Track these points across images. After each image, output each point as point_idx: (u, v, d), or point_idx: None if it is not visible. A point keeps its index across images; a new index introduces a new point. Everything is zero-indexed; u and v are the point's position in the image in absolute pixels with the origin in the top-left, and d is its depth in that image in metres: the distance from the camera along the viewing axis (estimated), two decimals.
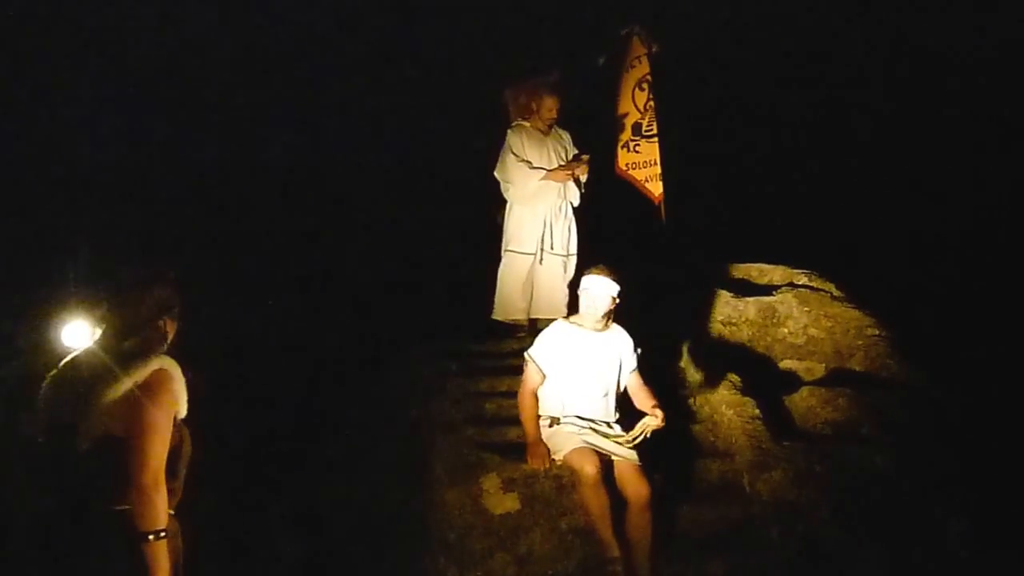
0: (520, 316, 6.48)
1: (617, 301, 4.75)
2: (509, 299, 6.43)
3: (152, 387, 3.13)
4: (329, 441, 5.64)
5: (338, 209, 6.12)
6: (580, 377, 4.77)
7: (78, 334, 4.52)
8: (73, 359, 3.28)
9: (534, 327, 6.26)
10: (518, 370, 5.32)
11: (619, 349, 4.89)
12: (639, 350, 4.86)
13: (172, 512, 3.23)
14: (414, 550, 4.80)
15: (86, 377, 3.19)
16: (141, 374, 3.15)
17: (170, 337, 3.30)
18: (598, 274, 4.73)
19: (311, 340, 5.96)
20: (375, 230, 6.28)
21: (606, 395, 4.84)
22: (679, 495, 4.96)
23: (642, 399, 4.79)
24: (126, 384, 3.13)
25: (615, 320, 4.84)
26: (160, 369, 3.18)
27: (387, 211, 5.57)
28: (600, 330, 4.80)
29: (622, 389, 4.89)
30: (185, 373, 3.27)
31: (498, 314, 6.47)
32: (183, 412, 3.25)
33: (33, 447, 3.19)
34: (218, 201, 5.57)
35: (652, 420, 4.58)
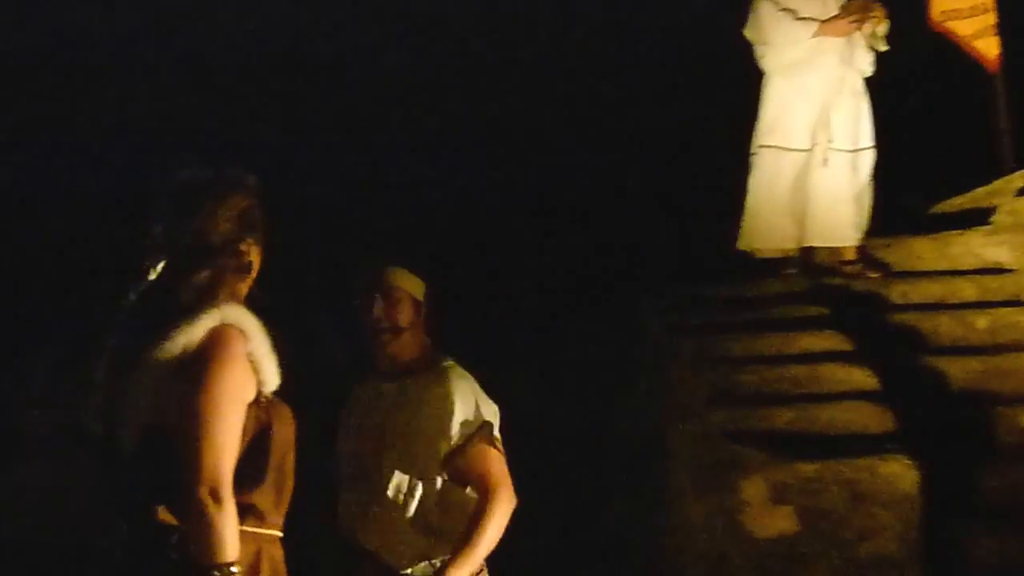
0: (787, 244, 6.10)
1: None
2: (768, 219, 6.05)
3: (208, 352, 2.80)
4: (515, 420, 5.18)
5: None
6: None
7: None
8: (130, 307, 2.98)
9: (808, 261, 6.05)
10: (787, 324, 5.20)
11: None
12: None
13: (262, 531, 2.89)
14: None
15: (129, 340, 2.89)
16: (194, 332, 2.81)
17: (252, 273, 2.95)
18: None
19: (476, 278, 5.56)
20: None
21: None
22: None
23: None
24: (173, 348, 2.81)
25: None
26: (221, 326, 2.83)
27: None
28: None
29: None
30: (275, 326, 2.90)
31: (751, 242, 6.14)
32: (270, 385, 2.89)
33: (95, 448, 2.96)
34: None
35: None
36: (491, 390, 5.09)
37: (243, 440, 2.83)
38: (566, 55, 5.63)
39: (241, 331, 2.85)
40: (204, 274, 2.89)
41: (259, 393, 2.88)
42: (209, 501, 2.74)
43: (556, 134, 5.69)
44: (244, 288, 2.93)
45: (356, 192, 5.42)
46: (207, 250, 2.90)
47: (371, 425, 3.70)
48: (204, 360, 2.80)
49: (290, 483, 2.94)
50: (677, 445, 4.93)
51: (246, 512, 2.83)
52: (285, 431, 2.93)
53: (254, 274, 2.95)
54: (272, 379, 2.90)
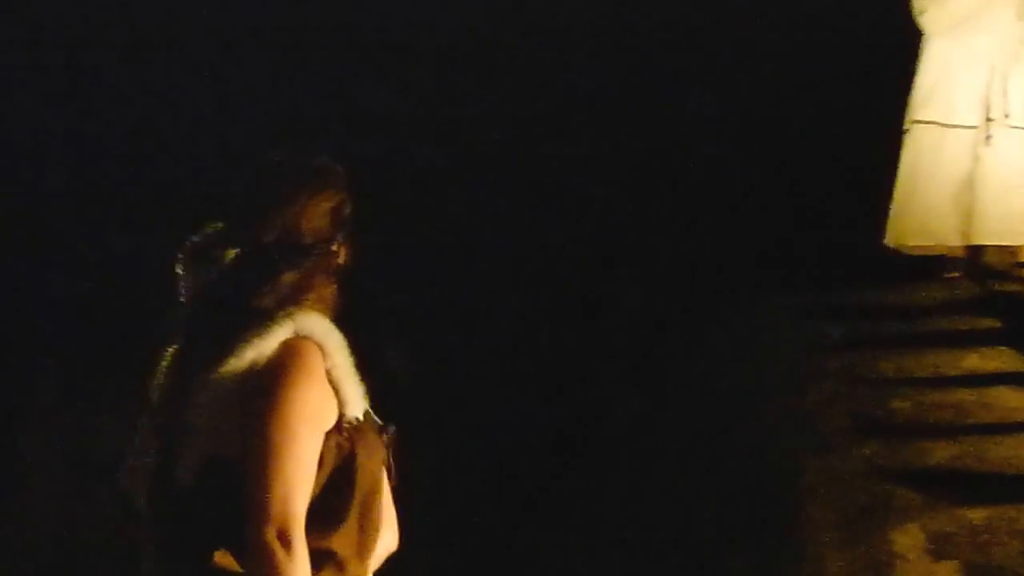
0: (948, 240, 5.83)
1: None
2: (924, 210, 5.77)
3: (279, 369, 2.61)
4: (615, 452, 5.11)
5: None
6: None
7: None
8: (192, 313, 2.81)
9: (975, 263, 5.78)
10: (948, 338, 5.06)
11: None
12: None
13: None
14: None
15: (189, 354, 2.74)
16: (263, 346, 2.63)
17: (345, 276, 2.80)
18: None
19: (587, 283, 5.25)
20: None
21: None
22: None
23: None
24: (239, 364, 2.64)
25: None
26: (295, 339, 2.65)
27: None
28: None
29: None
30: (360, 342, 2.71)
31: (903, 237, 5.85)
32: (353, 409, 2.69)
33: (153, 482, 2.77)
34: None
35: None
36: (593, 408, 4.77)
37: (320, 474, 2.64)
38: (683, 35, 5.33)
39: (319, 345, 2.66)
40: (288, 277, 2.72)
41: (341, 418, 2.68)
42: (276, 545, 2.56)
43: (663, 123, 5.36)
44: (331, 295, 2.77)
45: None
46: (295, 249, 2.73)
47: None
48: (274, 378, 2.61)
49: (377, 525, 2.72)
50: (814, 484, 4.66)
51: (323, 559, 2.65)
52: (372, 464, 2.72)
53: (341, 276, 2.80)
54: (356, 402, 2.70)
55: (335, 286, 2.77)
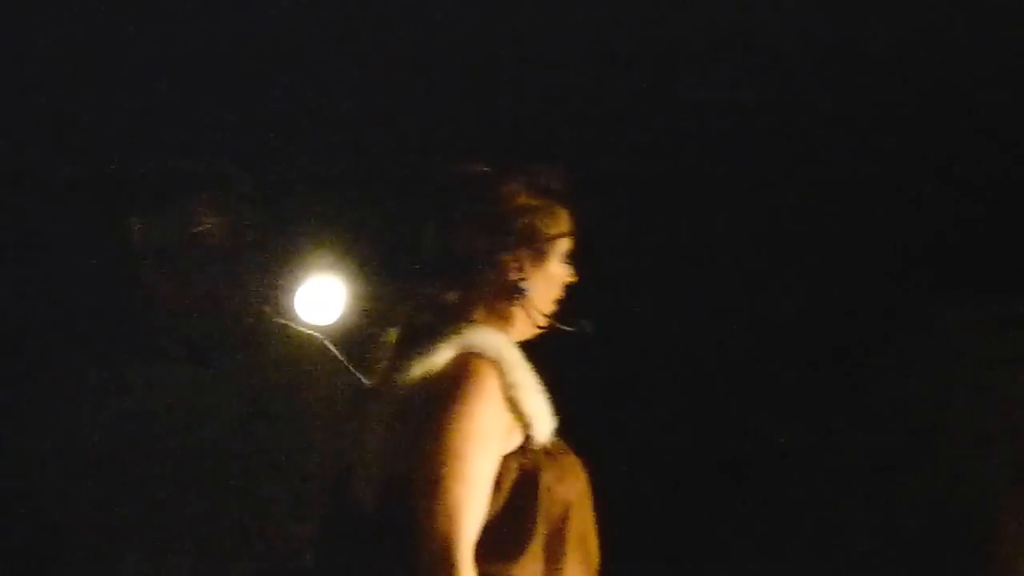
0: None
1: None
2: None
3: (445, 387, 2.52)
4: (784, 480, 4.87)
5: None
6: None
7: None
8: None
9: None
10: None
11: None
12: None
13: None
14: None
15: (376, 367, 2.69)
16: (430, 363, 2.55)
17: (527, 295, 2.64)
18: None
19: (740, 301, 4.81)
20: None
21: None
22: None
23: None
24: (409, 380, 2.56)
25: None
26: (466, 355, 2.55)
27: None
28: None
29: None
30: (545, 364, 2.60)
31: None
32: (539, 430, 2.58)
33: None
34: None
35: None
36: (758, 432, 4.72)
37: (497, 496, 2.53)
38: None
39: (493, 362, 2.54)
40: (451, 294, 2.64)
41: (527, 440, 2.57)
42: (441, 563, 2.46)
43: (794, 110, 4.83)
44: (509, 312, 2.65)
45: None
46: (453, 265, 2.65)
47: None
48: (439, 396, 2.51)
49: (573, 555, 2.58)
50: (1009, 522, 4.49)
51: None
52: (564, 488, 2.59)
53: (530, 295, 2.64)
54: (543, 423, 2.58)
55: (512, 303, 2.66)
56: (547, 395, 2.62)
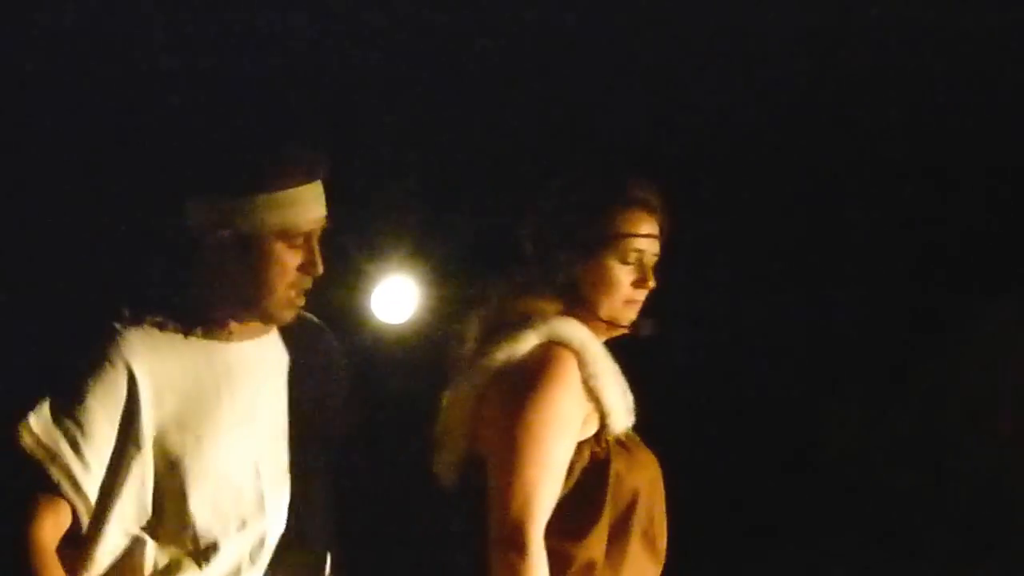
0: None
1: None
2: None
3: (527, 374, 2.60)
4: (842, 469, 4.83)
5: None
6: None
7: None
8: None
9: None
10: None
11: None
12: None
13: None
14: None
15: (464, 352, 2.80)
16: (515, 349, 2.63)
17: (599, 289, 2.70)
18: None
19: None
20: None
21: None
22: None
23: None
24: (491, 365, 2.65)
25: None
26: (547, 344, 2.61)
27: None
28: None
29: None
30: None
31: None
32: (617, 421, 2.67)
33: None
34: None
35: None
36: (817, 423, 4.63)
37: (568, 479, 2.62)
38: None
39: (576, 352, 2.63)
40: (541, 288, 2.74)
41: (602, 430, 2.66)
42: (511, 545, 2.52)
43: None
44: (594, 310, 2.70)
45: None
46: (547, 262, 2.75)
47: None
48: (522, 382, 2.60)
49: (638, 542, 2.66)
50: None
51: (569, 563, 2.60)
52: (633, 478, 2.67)
53: (602, 290, 2.72)
54: (620, 414, 2.67)
55: (592, 302, 2.69)
56: (627, 390, 2.69)
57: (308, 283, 2.49)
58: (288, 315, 2.52)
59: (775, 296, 4.64)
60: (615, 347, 2.79)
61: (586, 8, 4.05)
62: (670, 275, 2.87)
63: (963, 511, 4.67)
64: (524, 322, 2.63)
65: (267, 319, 2.51)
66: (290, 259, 2.45)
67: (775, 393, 4.77)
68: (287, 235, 2.42)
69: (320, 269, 2.49)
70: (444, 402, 2.71)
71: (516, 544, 2.50)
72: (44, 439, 2.42)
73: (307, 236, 2.44)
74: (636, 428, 2.76)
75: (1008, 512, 4.56)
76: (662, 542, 2.71)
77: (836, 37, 4.23)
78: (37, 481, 2.42)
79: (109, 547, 2.51)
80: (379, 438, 3.07)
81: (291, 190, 2.38)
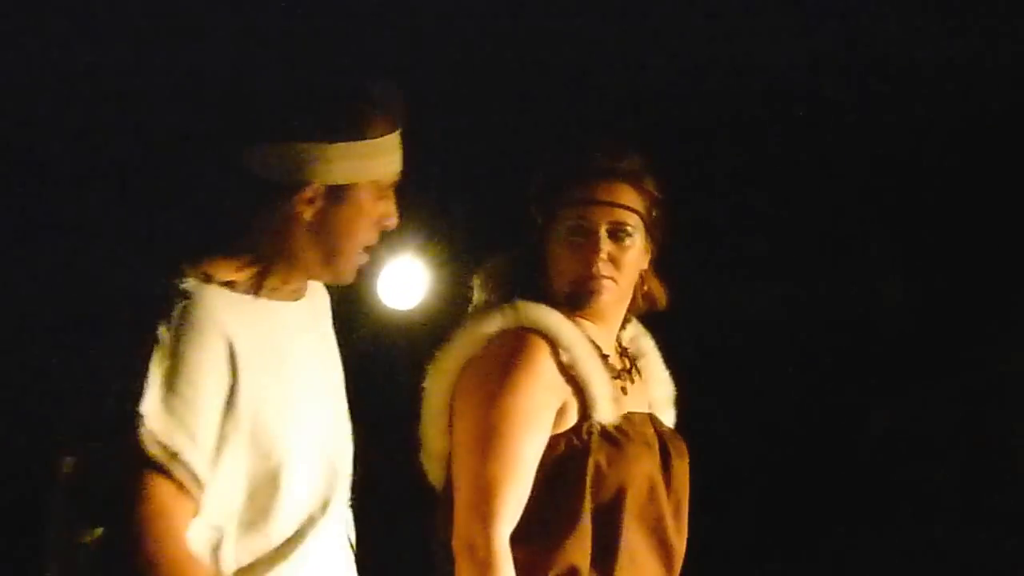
0: None
1: None
2: None
3: (492, 361, 2.41)
4: (878, 465, 4.72)
5: None
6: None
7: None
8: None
9: None
10: None
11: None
12: None
13: None
14: None
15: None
16: (481, 333, 2.44)
17: (552, 266, 2.50)
18: None
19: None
20: None
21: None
22: None
23: None
24: (459, 354, 2.46)
25: None
26: (515, 330, 2.42)
27: None
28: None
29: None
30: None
31: None
32: (602, 413, 2.42)
33: None
34: None
35: None
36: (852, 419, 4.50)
37: (540, 475, 2.39)
38: None
39: (548, 338, 2.42)
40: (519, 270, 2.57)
41: (584, 420, 2.42)
42: (469, 544, 2.32)
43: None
44: (555, 284, 2.50)
45: None
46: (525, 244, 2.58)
47: None
48: (486, 372, 2.42)
49: (640, 542, 2.43)
50: None
51: (548, 568, 2.37)
52: (618, 472, 2.43)
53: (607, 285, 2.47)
54: (606, 404, 2.43)
55: (581, 289, 2.47)
56: (668, 380, 2.53)
57: (376, 239, 2.27)
58: (353, 272, 2.27)
59: (825, 286, 4.60)
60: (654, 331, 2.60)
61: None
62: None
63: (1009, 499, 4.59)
64: (492, 307, 2.46)
65: (335, 276, 2.26)
66: (374, 211, 2.23)
67: (817, 379, 4.69)
68: (378, 185, 2.22)
69: (396, 222, 2.27)
70: (423, 394, 2.49)
71: (474, 550, 2.30)
72: (161, 436, 2.00)
73: (391, 187, 2.24)
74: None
75: None
76: (678, 541, 2.46)
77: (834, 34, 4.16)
78: (156, 484, 2.01)
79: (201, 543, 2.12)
80: (382, 433, 2.85)
81: (384, 138, 2.20)
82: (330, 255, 2.21)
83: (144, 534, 1.99)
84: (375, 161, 2.18)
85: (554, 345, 2.39)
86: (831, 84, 4.27)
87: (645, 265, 2.52)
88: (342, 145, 2.14)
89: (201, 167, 2.34)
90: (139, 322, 2.04)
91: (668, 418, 2.57)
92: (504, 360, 2.38)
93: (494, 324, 2.42)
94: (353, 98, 2.21)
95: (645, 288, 2.55)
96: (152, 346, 2.02)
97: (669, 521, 2.44)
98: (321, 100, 2.19)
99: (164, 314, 2.01)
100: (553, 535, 2.38)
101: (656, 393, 2.58)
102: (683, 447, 2.52)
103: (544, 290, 2.47)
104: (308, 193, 2.14)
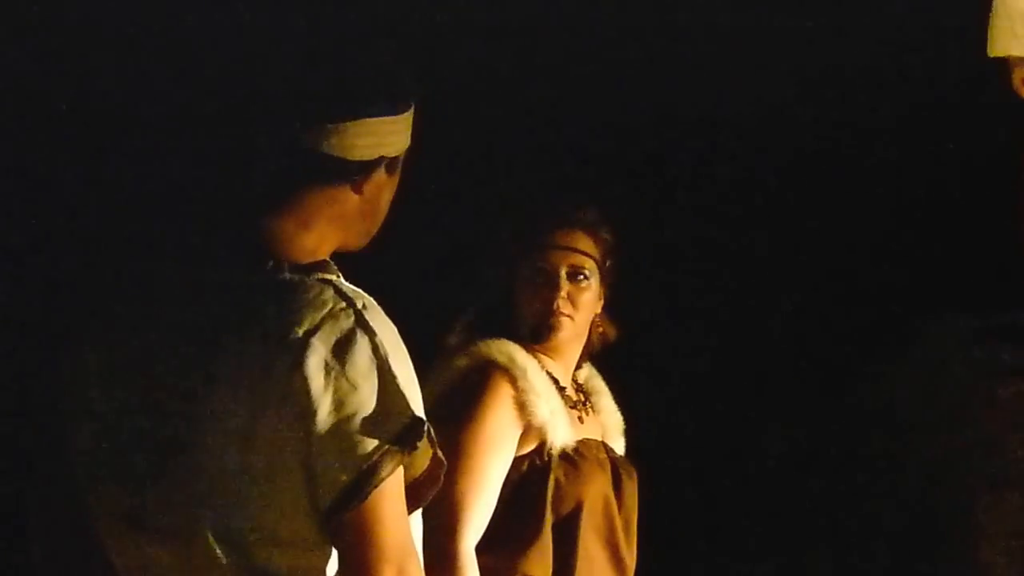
0: None
1: None
2: None
3: (461, 395, 2.74)
4: (771, 487, 4.82)
5: None
6: None
7: None
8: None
9: None
10: None
11: None
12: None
13: None
14: None
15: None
16: (452, 369, 2.79)
17: (517, 303, 2.87)
18: None
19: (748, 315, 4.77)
20: None
21: None
22: None
23: None
24: (434, 389, 2.68)
25: None
26: (480, 366, 2.74)
27: None
28: None
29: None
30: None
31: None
32: (558, 437, 2.73)
33: None
34: None
35: None
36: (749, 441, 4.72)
37: (505, 491, 2.71)
38: None
39: (506, 371, 2.73)
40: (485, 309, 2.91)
41: (543, 445, 2.73)
42: (437, 558, 2.44)
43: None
44: (517, 319, 2.81)
45: None
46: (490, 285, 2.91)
47: None
48: (456, 405, 2.72)
49: (598, 555, 2.74)
50: (990, 531, 4.35)
51: (508, 574, 2.69)
52: (576, 489, 2.74)
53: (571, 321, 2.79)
54: (560, 432, 2.74)
55: (539, 323, 2.79)
56: (615, 410, 2.89)
57: None
58: None
59: (715, 310, 4.71)
60: (606, 364, 2.97)
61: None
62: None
63: (894, 516, 4.70)
64: (460, 346, 2.80)
65: (359, 245, 2.25)
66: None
67: (706, 399, 4.77)
68: (398, 160, 2.26)
69: None
70: None
71: (444, 559, 2.55)
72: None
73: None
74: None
75: (939, 516, 4.61)
76: (629, 557, 2.79)
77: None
78: None
79: None
80: None
81: (411, 110, 2.25)
82: (373, 226, 2.22)
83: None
84: (407, 134, 2.25)
85: (514, 378, 2.71)
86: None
87: (599, 309, 2.87)
88: (401, 117, 2.20)
89: (270, 152, 2.29)
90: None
91: (619, 447, 2.90)
92: (471, 392, 2.71)
93: (463, 361, 2.75)
94: (399, 70, 2.26)
95: (600, 329, 2.89)
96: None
97: (621, 535, 2.77)
98: (383, 75, 2.24)
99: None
100: (517, 545, 2.69)
101: (608, 423, 2.92)
102: (633, 471, 2.86)
103: (508, 326, 2.80)
104: (375, 170, 2.17)
